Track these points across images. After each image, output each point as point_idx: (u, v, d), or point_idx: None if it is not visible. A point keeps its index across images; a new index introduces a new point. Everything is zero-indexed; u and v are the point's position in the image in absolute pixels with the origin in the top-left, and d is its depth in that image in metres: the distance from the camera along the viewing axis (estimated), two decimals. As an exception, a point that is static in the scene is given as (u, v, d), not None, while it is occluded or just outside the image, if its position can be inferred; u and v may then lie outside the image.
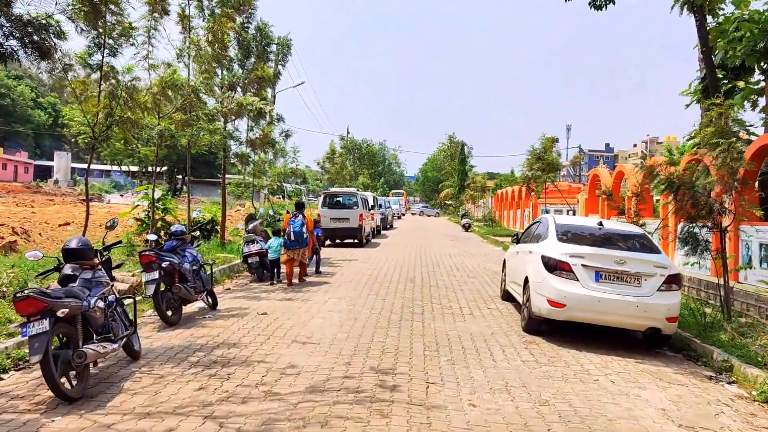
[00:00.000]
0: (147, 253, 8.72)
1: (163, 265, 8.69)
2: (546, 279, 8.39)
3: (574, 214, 34.68)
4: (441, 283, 14.02)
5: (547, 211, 35.74)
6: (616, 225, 9.73)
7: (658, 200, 18.81)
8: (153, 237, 9.80)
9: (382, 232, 34.55)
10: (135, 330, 6.99)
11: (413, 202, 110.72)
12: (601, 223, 9.33)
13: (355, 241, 23.90)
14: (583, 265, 8.19)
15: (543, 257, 8.59)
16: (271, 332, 8.52)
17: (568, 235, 8.98)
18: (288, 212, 14.52)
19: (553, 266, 8.37)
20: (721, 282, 9.91)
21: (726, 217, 9.41)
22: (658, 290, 8.06)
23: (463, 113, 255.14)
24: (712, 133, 9.53)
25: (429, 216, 76.32)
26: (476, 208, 58.89)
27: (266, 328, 8.80)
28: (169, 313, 8.87)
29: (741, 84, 15.61)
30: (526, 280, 9.15)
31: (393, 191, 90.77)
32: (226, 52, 14.76)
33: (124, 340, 6.64)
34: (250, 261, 13.52)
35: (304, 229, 13.18)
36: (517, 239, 11.26)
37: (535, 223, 10.67)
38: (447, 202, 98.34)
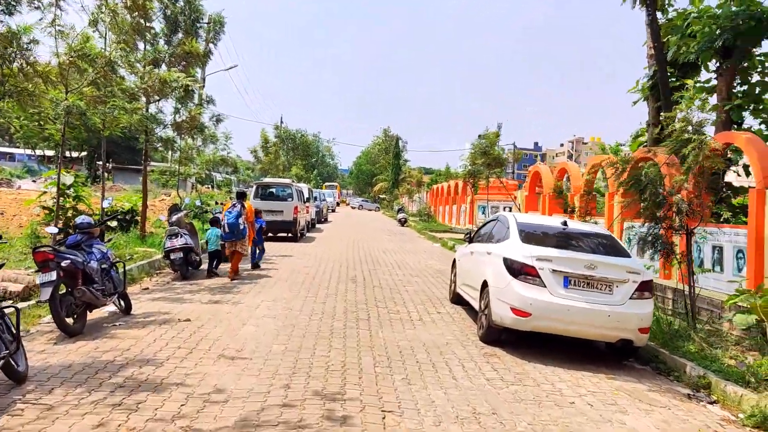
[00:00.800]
0: (42, 249, 7.26)
1: (63, 264, 7.23)
2: (509, 284, 7.52)
3: (510, 211, 34.64)
4: (384, 282, 13.02)
5: (484, 208, 35.59)
6: (581, 225, 9.00)
7: (601, 199, 18.51)
8: (54, 230, 8.32)
9: (317, 225, 33.30)
10: (18, 346, 5.61)
11: (347, 195, 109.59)
12: (565, 223, 8.57)
13: (289, 235, 22.59)
14: (551, 269, 7.36)
15: (506, 260, 7.72)
16: (195, 344, 7.27)
17: (532, 236, 8.15)
18: (217, 202, 13.19)
19: (518, 270, 7.50)
20: (681, 286, 9.39)
21: (692, 218, 8.84)
22: (630, 298, 7.34)
23: (398, 106, 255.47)
24: (681, 129, 8.94)
25: (369, 210, 75.29)
26: (411, 202, 58.39)
27: (189, 338, 7.52)
28: (70, 320, 7.43)
29: (690, 82, 15.35)
30: (485, 285, 8.27)
31: (326, 184, 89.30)
32: (149, 22, 13.19)
33: (2, 361, 5.27)
34: (172, 257, 12.07)
35: (241, 220, 12.52)
36: (470, 238, 10.38)
37: (492, 221, 9.81)
38: (381, 196, 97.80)
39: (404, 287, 12.58)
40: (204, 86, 20.15)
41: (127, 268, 10.78)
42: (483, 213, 35.38)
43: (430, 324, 9.20)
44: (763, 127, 13.58)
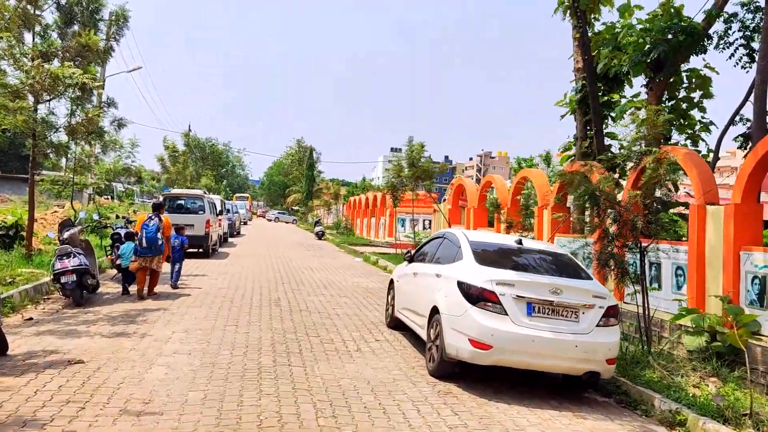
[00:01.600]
0: None
1: None
2: (467, 312, 6.62)
3: (430, 224, 34.23)
4: (312, 305, 11.85)
5: (403, 221, 35.02)
6: (535, 243, 8.26)
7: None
8: None
9: (230, 239, 31.44)
10: None
11: (258, 206, 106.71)
12: (520, 242, 7.81)
13: (200, 251, 20.87)
14: (513, 295, 6.53)
15: (461, 284, 6.83)
16: (89, 395, 5.85)
17: (487, 256, 7.32)
18: (118, 216, 11.63)
19: (476, 296, 6.62)
20: (634, 308, 8.89)
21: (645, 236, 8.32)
22: (597, 326, 6.63)
23: (312, 117, 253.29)
24: (635, 140, 8.44)
25: (287, 222, 73.24)
26: (327, 214, 57.21)
27: (81, 387, 6.09)
28: None
29: (617, 96, 15.30)
30: (435, 311, 7.34)
31: (237, 195, 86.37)
32: (39, 11, 11.46)
33: None
34: (63, 280, 10.35)
35: (159, 235, 11.52)
36: (411, 258, 9.44)
37: (436, 239, 8.91)
38: (294, 207, 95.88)
39: (334, 310, 11.47)
40: (104, 87, 18.33)
41: (4, 294, 9.09)
42: (402, 226, 34.81)
43: (370, 355, 8.16)
44: (689, 142, 13.59)
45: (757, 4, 10.70)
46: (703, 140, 12.93)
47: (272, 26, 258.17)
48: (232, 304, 11.42)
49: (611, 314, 6.72)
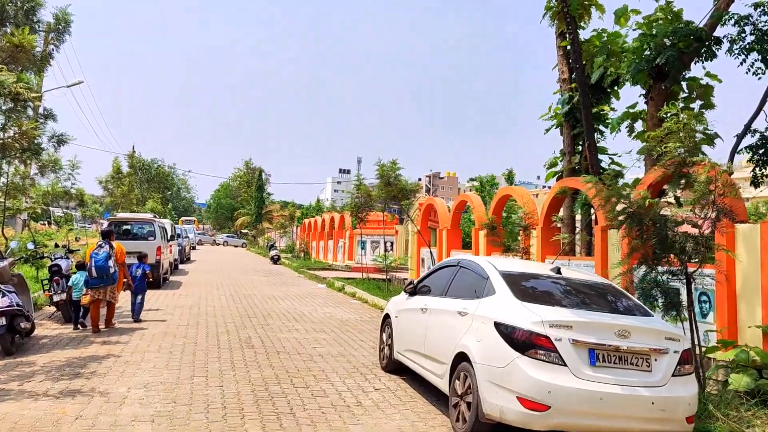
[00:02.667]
0: None
1: None
2: (514, 364, 5.28)
3: (392, 246, 32.93)
4: (288, 344, 10.30)
5: (364, 243, 33.61)
6: (573, 271, 7.01)
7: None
8: None
9: (180, 266, 29.32)
10: None
11: (204, 230, 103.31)
12: (558, 270, 6.57)
13: (151, 280, 18.88)
14: (571, 340, 5.24)
15: (501, 327, 5.51)
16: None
17: (525, 289, 6.03)
18: (58, 245, 9.96)
19: (524, 342, 5.30)
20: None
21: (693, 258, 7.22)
22: (673, 375, 5.40)
23: (261, 138, 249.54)
24: (673, 149, 7.36)
25: (236, 246, 70.57)
26: (280, 238, 55.25)
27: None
28: None
29: (607, 108, 14.46)
30: (461, 359, 5.99)
31: (183, 219, 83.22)
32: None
33: None
34: (-10, 325, 8.54)
35: (111, 263, 10.57)
36: (413, 289, 8.06)
37: (449, 266, 7.56)
38: (243, 230, 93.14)
39: (315, 350, 9.97)
40: (41, 98, 16.40)
41: None
42: (363, 248, 33.39)
43: (375, 411, 6.72)
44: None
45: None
46: (703, 153, 12.09)
47: (216, 46, 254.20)
48: (196, 346, 9.76)
49: (686, 360, 5.51)
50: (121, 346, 9.63)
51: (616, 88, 14.60)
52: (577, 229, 12.20)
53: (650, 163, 11.77)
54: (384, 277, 25.21)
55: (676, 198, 11.29)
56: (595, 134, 14.65)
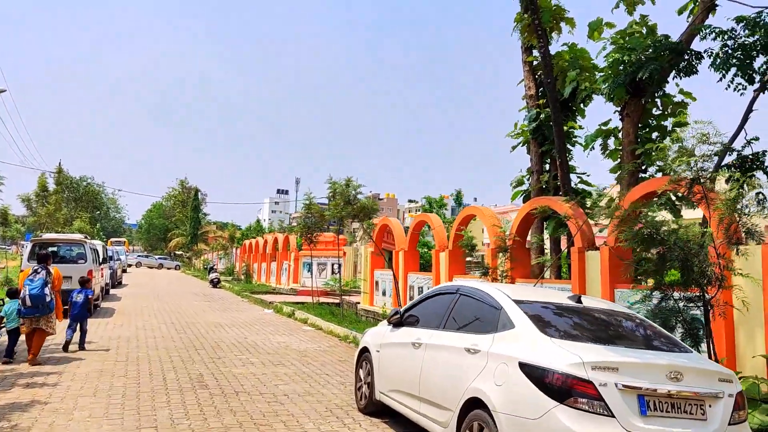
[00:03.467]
0: None
1: None
2: (550, 415, 4.39)
3: (339, 268, 31.83)
4: (247, 383, 9.09)
5: (310, 265, 32.33)
6: (594, 301, 6.19)
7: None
8: None
9: (111, 291, 27.21)
10: None
11: (135, 252, 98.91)
12: (578, 299, 5.74)
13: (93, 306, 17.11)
14: (619, 385, 4.39)
15: (530, 369, 4.62)
16: None
17: (549, 323, 5.17)
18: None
19: (563, 389, 4.41)
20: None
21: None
22: (729, 424, 4.62)
23: (195, 157, 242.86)
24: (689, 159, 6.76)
25: (169, 269, 67.34)
26: (218, 259, 53.07)
27: None
28: None
29: (575, 125, 14.03)
30: (473, 406, 5.06)
31: (112, 240, 79.37)
32: None
33: None
34: None
35: (47, 290, 9.79)
36: (400, 318, 7.08)
37: (447, 293, 6.58)
38: (177, 252, 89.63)
39: (279, 388, 8.81)
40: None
41: None
42: (309, 271, 32.12)
43: (364, 466, 5.69)
44: (659, 174, 12.41)
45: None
46: (675, 171, 11.74)
47: (148, 61, 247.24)
48: (140, 388, 8.42)
49: (741, 405, 4.76)
50: (48, 389, 8.18)
51: (582, 105, 14.23)
52: (547, 251, 11.58)
53: (629, 181, 11.30)
54: (335, 301, 24.12)
55: (675, 212, 10.78)
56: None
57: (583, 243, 11.06)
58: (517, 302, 5.39)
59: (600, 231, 11.13)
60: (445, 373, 5.66)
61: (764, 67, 9.38)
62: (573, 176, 14.16)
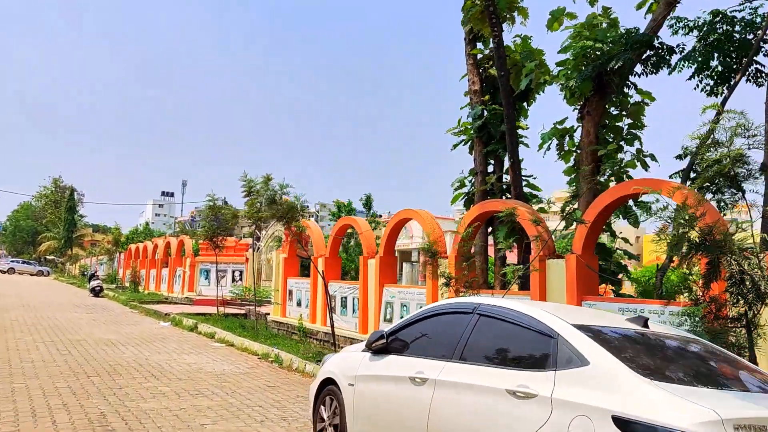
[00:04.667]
0: None
1: None
2: None
3: (241, 276, 29.51)
4: (165, 423, 7.15)
5: (208, 272, 29.71)
6: (658, 326, 4.92)
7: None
8: None
9: (-30, 301, 23.35)
10: None
11: (8, 258, 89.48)
12: (646, 323, 4.49)
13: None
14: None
15: (639, 428, 3.28)
16: None
17: (634, 358, 3.85)
18: None
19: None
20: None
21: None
22: None
23: (70, 154, 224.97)
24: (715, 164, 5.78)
25: (32, 275, 60.72)
26: (98, 265, 48.41)
27: None
28: None
29: (523, 125, 13.14)
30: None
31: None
32: None
33: None
34: None
35: None
36: (385, 345, 5.53)
37: (458, 313, 5.06)
38: (49, 257, 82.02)
39: (205, 429, 6.99)
40: None
41: None
42: (206, 278, 29.55)
43: None
44: (613, 180, 11.75)
45: (737, 13, 9.17)
46: (629, 176, 11.13)
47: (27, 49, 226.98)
48: (19, 439, 6.30)
49: None
50: None
51: (525, 104, 13.39)
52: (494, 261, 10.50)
53: (589, 184, 10.47)
54: (240, 311, 21.98)
55: (635, 220, 10.02)
56: (501, 156, 13.29)
57: (544, 251, 10.08)
58: (581, 328, 4.06)
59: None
60: (475, 424, 4.22)
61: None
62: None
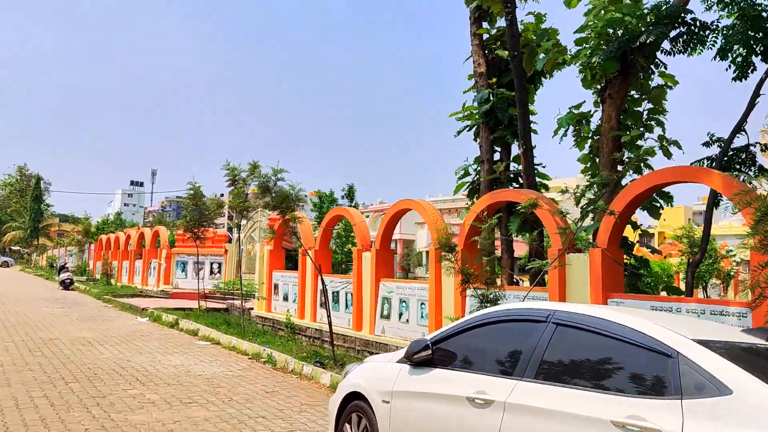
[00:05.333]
0: None
1: None
2: None
3: (219, 268, 28.42)
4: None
5: (184, 264, 28.54)
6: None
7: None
8: None
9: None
10: None
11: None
12: None
13: None
14: None
15: None
16: None
17: None
18: None
19: None
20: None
21: None
22: None
23: (37, 140, 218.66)
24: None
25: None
26: (67, 256, 46.65)
27: None
28: None
29: (533, 110, 12.36)
30: None
31: None
32: None
33: None
34: None
35: None
36: (429, 356, 4.69)
37: (525, 320, 4.23)
38: (14, 247, 79.38)
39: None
40: None
41: None
42: (183, 270, 28.43)
43: None
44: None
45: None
46: (648, 165, 10.47)
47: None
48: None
49: None
50: None
51: (533, 87, 12.65)
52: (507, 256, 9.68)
53: (610, 172, 9.78)
54: (221, 306, 20.98)
55: (655, 212, 9.38)
56: (510, 142, 12.54)
57: (563, 244, 9.37)
58: (705, 344, 3.30)
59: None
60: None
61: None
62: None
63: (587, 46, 9.74)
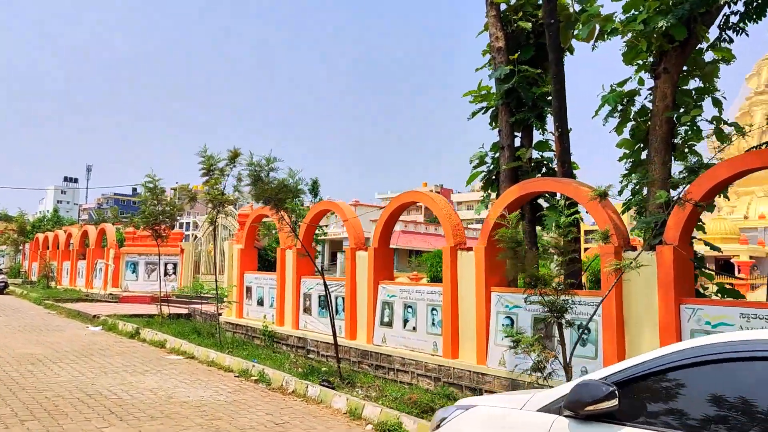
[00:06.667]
0: None
1: None
2: None
3: (174, 269, 26.16)
4: None
5: (135, 266, 26.11)
6: None
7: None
8: None
9: None
10: None
11: None
12: None
13: None
14: None
15: None
16: None
17: None
18: None
19: None
20: None
21: None
22: None
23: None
24: None
25: None
26: (2, 257, 42.89)
27: None
28: None
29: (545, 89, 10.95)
30: None
31: None
32: None
33: None
34: None
35: None
36: (616, 404, 3.04)
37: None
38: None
39: None
40: None
41: None
42: (134, 272, 26.01)
43: None
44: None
45: None
46: (694, 151, 9.29)
47: None
48: None
49: None
50: None
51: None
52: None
53: (663, 158, 8.52)
54: (182, 311, 18.88)
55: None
56: (535, 126, 11.18)
57: (619, 241, 8.05)
58: None
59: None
60: None
61: None
62: (549, 154, 11.20)
63: (641, 10, 8.42)
